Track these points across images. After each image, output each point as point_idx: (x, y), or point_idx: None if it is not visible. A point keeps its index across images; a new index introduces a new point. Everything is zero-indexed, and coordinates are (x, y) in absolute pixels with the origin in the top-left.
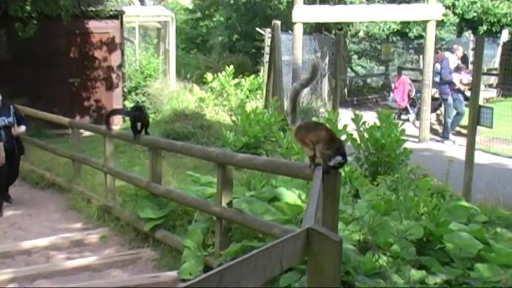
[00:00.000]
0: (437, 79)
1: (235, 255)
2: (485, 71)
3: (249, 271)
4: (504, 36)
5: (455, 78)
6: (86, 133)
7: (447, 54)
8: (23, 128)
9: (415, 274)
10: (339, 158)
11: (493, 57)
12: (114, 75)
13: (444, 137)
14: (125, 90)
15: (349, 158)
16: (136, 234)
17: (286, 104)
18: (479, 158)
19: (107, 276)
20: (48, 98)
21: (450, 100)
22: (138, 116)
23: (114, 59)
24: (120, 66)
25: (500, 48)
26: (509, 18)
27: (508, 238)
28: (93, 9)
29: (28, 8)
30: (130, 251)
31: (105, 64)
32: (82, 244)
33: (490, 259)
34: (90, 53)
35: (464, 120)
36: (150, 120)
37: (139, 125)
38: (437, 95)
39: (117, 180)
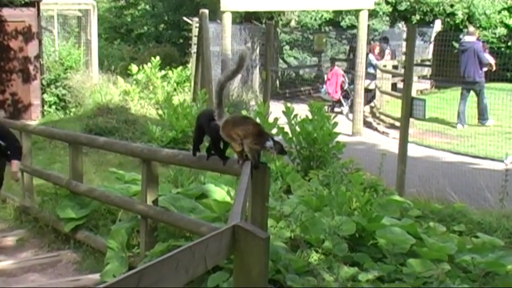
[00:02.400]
0: (370, 70)
1: (161, 255)
2: (418, 61)
3: (171, 271)
4: (437, 26)
5: (490, 59)
6: None
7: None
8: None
9: (347, 271)
10: (269, 143)
11: (427, 48)
12: (31, 67)
13: (485, 119)
14: (44, 82)
15: None
16: (56, 236)
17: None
18: (413, 151)
19: (23, 281)
20: None
21: (483, 82)
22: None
23: (31, 50)
24: (38, 57)
25: (432, 39)
26: (441, 8)
27: (440, 232)
28: None
29: None
30: (50, 253)
31: (21, 55)
32: None
33: (423, 254)
34: (5, 42)
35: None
36: (72, 115)
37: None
38: (370, 87)
39: (35, 179)
